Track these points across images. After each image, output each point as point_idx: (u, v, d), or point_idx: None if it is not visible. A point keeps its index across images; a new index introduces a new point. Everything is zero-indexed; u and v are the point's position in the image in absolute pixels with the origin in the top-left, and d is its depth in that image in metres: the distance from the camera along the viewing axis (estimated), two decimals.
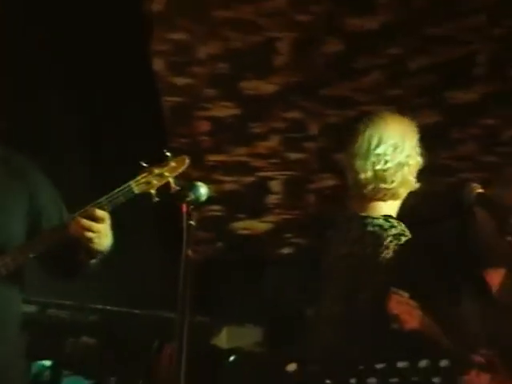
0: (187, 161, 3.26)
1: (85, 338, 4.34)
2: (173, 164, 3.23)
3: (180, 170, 3.23)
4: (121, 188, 3.22)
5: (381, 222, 3.45)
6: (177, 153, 3.29)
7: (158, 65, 5.68)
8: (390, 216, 3.51)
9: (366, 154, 3.42)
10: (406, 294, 3.19)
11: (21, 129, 4.72)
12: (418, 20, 5.92)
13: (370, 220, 3.46)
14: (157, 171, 3.22)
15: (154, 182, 3.21)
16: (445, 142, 5.88)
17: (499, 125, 6.25)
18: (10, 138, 3.47)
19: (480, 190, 3.25)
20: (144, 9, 5.49)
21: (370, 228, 3.44)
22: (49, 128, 5.24)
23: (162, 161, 3.24)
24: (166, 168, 3.23)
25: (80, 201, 3.29)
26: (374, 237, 3.44)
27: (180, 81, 5.79)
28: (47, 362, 4.18)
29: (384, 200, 3.48)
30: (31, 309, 4.09)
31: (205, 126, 5.93)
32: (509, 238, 3.23)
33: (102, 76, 5.37)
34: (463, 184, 3.33)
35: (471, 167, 6.18)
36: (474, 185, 3.27)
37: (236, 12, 5.68)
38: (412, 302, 3.18)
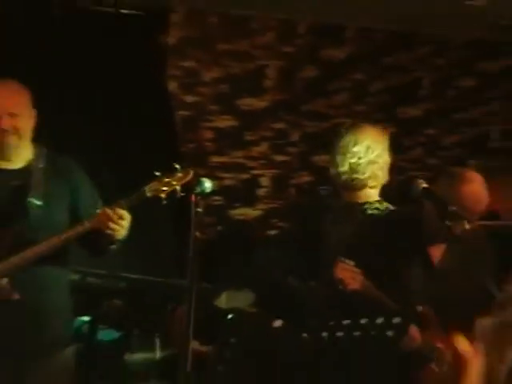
0: (192, 173, 3.16)
1: (116, 300, 4.35)
2: (180, 175, 3.14)
3: (185, 180, 3.14)
4: (136, 192, 3.17)
5: (377, 205, 3.38)
6: (184, 165, 3.19)
7: (172, 86, 5.68)
8: (382, 200, 3.45)
9: (345, 152, 3.41)
10: (352, 263, 3.12)
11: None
12: (377, 52, 5.96)
13: (368, 205, 3.38)
14: (166, 180, 3.13)
15: (164, 188, 3.12)
16: (397, 148, 5.91)
17: (439, 134, 6.31)
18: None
19: (425, 185, 3.24)
20: (161, 42, 5.52)
21: (369, 211, 3.37)
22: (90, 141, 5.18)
23: (171, 171, 3.16)
24: (174, 177, 3.14)
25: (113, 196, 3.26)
26: (373, 218, 3.37)
27: (189, 98, 5.79)
28: (86, 318, 4.19)
29: (359, 189, 3.38)
30: (75, 277, 4.06)
31: (209, 134, 5.92)
32: (447, 223, 3.25)
33: (128, 96, 5.37)
34: (411, 180, 3.34)
35: (419, 168, 6.22)
36: (420, 181, 3.26)
37: (234, 45, 5.73)
38: (355, 269, 3.12)
